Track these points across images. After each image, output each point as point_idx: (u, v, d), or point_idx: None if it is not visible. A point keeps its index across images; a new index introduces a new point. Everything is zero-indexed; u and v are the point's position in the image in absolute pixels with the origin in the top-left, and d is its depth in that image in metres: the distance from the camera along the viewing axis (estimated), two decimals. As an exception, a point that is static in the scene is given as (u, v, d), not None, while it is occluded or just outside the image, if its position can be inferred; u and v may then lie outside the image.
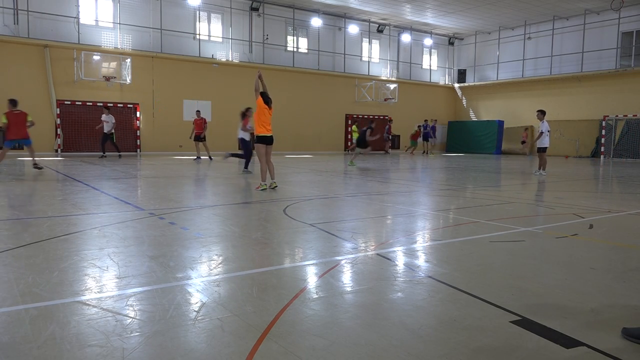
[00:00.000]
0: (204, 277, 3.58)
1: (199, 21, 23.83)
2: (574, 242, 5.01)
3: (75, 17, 20.66)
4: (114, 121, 19.00)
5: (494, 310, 2.96)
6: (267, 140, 9.11)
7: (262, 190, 8.87)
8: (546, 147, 14.03)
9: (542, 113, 14.06)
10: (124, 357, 2.29)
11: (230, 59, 24.60)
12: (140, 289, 3.29)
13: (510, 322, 2.75)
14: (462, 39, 33.07)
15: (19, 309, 2.86)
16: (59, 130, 20.41)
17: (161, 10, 22.52)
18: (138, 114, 22.13)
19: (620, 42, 25.10)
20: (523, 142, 26.98)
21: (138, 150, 22.11)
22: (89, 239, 4.78)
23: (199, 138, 18.66)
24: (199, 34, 23.78)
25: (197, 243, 4.67)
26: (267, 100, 9.13)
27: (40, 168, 12.13)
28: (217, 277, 3.61)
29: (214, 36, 24.41)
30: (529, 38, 28.77)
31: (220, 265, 3.94)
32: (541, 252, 4.61)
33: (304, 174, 13.36)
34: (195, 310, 2.89)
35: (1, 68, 18.98)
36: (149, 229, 5.32)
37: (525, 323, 2.73)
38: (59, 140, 20.48)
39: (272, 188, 9.10)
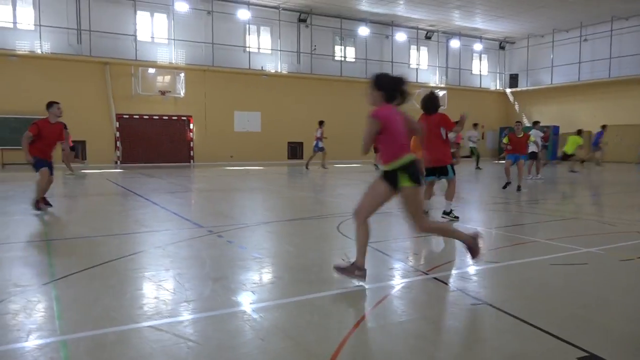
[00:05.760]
0: (265, 302, 3.70)
1: (249, 34, 24.44)
2: (641, 266, 4.81)
3: (133, 35, 21.67)
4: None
5: (558, 345, 2.91)
6: None
7: None
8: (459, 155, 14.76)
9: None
10: (198, 387, 2.42)
11: (279, 70, 25.06)
12: (205, 314, 3.45)
13: (577, 358, 2.70)
14: (513, 43, 32.26)
15: (99, 334, 3.06)
16: (118, 143, 21.42)
17: (213, 25, 23.26)
18: (191, 125, 22.91)
19: (685, 41, 23.80)
20: (545, 146, 25.52)
21: (192, 161, 22.87)
22: (154, 259, 5.02)
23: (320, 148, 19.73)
24: (249, 47, 24.39)
25: (256, 264, 4.81)
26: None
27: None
28: (278, 301, 3.72)
29: (264, 48, 24.96)
30: (585, 40, 27.72)
31: (280, 289, 4.06)
32: (606, 277, 4.46)
33: (355, 185, 13.41)
34: (260, 339, 3.00)
35: (66, 85, 20.12)
36: (209, 248, 5.52)
37: (593, 361, 2.68)
38: (118, 153, 21.48)
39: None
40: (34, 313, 3.41)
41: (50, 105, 7.78)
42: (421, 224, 4.07)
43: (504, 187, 11.07)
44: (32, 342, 2.92)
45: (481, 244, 4.27)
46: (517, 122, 12.12)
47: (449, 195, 7.37)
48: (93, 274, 4.39)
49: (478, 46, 31.09)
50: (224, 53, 23.74)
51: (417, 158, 4.00)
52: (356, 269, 3.99)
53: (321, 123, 19.65)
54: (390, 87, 3.92)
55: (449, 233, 4.62)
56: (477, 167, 19.77)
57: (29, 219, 7.48)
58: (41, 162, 7.65)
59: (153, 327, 3.17)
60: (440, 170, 7.28)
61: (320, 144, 19.35)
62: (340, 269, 4.05)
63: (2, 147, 19.09)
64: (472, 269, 4.73)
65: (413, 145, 10.10)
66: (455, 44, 30.10)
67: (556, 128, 28.17)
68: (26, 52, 19.79)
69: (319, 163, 20.23)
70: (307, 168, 19.52)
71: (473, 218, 7.90)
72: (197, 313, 3.46)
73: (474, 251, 4.28)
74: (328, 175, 17.14)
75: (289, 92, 24.73)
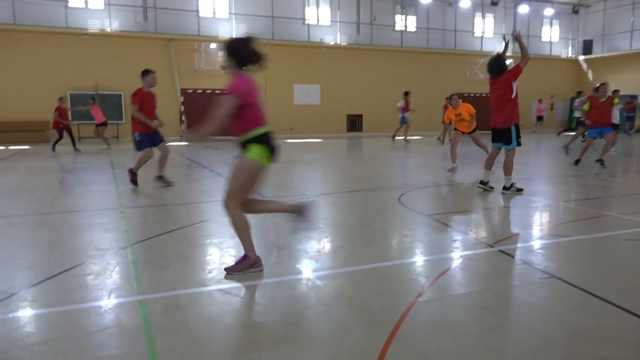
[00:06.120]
0: (328, 270, 3.76)
1: (308, 6, 24.25)
2: None
3: (195, 11, 22.10)
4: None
5: (635, 321, 2.78)
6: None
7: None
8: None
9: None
10: (273, 346, 2.52)
11: (339, 42, 24.78)
12: (271, 280, 3.56)
13: (656, 336, 2.57)
14: (588, 7, 30.08)
15: (173, 295, 3.24)
16: (183, 117, 22.15)
17: (272, -2, 23.27)
18: (252, 99, 23.24)
19: None
20: (631, 117, 23.56)
21: (252, 134, 23.30)
22: (220, 227, 5.20)
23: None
24: (308, 19, 24.24)
25: (319, 234, 4.88)
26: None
27: None
28: (341, 270, 3.77)
29: (323, 20, 24.73)
30: (672, 0, 25.39)
31: (343, 258, 4.11)
32: (689, 254, 4.18)
33: (416, 158, 13.20)
34: (325, 305, 3.07)
35: (134, 61, 20.84)
36: (272, 217, 5.61)
37: (674, 339, 2.54)
38: (183, 126, 22.22)
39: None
40: (113, 274, 3.65)
41: (145, 73, 7.66)
42: (231, 202, 3.58)
43: (576, 164, 10.47)
44: (113, 301, 3.14)
45: (310, 213, 3.76)
46: (601, 83, 10.38)
47: (506, 169, 7.02)
48: (165, 240, 4.63)
49: (549, 11, 29.24)
50: (284, 26, 23.73)
51: (271, 130, 3.68)
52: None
53: (406, 94, 18.86)
54: (238, 49, 3.66)
55: (266, 209, 3.92)
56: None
57: (104, 188, 7.95)
58: (144, 140, 7.56)
59: (222, 291, 3.31)
60: (506, 136, 6.97)
61: (405, 116, 18.75)
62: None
63: (77, 122, 20.23)
64: (540, 243, 4.57)
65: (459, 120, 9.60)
66: (523, 9, 28.46)
67: (635, 97, 26.24)
68: (97, 31, 20.68)
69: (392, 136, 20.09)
70: (406, 141, 19.06)
71: (543, 191, 7.59)
72: (263, 279, 3.57)
73: (301, 218, 3.77)
74: (392, 147, 16.95)
75: (349, 64, 24.46)
